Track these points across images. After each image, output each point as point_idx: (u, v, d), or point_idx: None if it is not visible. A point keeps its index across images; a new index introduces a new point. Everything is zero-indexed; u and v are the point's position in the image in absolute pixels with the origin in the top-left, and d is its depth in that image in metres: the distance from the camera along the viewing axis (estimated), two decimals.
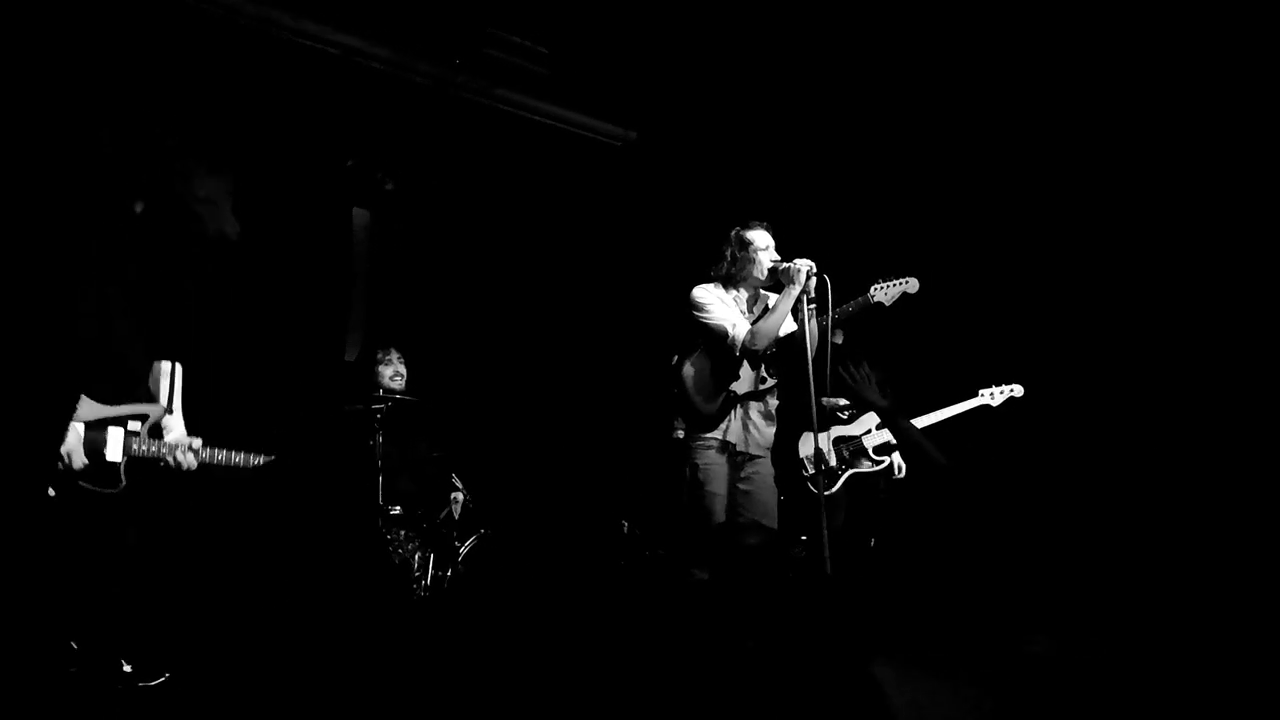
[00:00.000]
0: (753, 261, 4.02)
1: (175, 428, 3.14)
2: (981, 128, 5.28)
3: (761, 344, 3.90)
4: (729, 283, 4.08)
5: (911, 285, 4.10)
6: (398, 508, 4.48)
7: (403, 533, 4.44)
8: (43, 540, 2.80)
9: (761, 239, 4.06)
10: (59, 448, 2.83)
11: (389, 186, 5.36)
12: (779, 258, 4.00)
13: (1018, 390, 4.71)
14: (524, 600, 4.45)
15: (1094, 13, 4.67)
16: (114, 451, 2.94)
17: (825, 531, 3.74)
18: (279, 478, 4.15)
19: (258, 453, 3.16)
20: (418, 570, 4.40)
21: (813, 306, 3.86)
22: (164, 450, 3.01)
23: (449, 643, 3.91)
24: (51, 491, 2.83)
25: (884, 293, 4.09)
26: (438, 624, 4.21)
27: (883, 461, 4.67)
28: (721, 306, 3.99)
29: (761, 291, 4.11)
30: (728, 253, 4.08)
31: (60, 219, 3.03)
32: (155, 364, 3.18)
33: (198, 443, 3.07)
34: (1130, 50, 4.72)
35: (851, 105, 5.54)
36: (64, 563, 2.82)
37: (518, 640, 3.79)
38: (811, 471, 4.60)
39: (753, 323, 3.96)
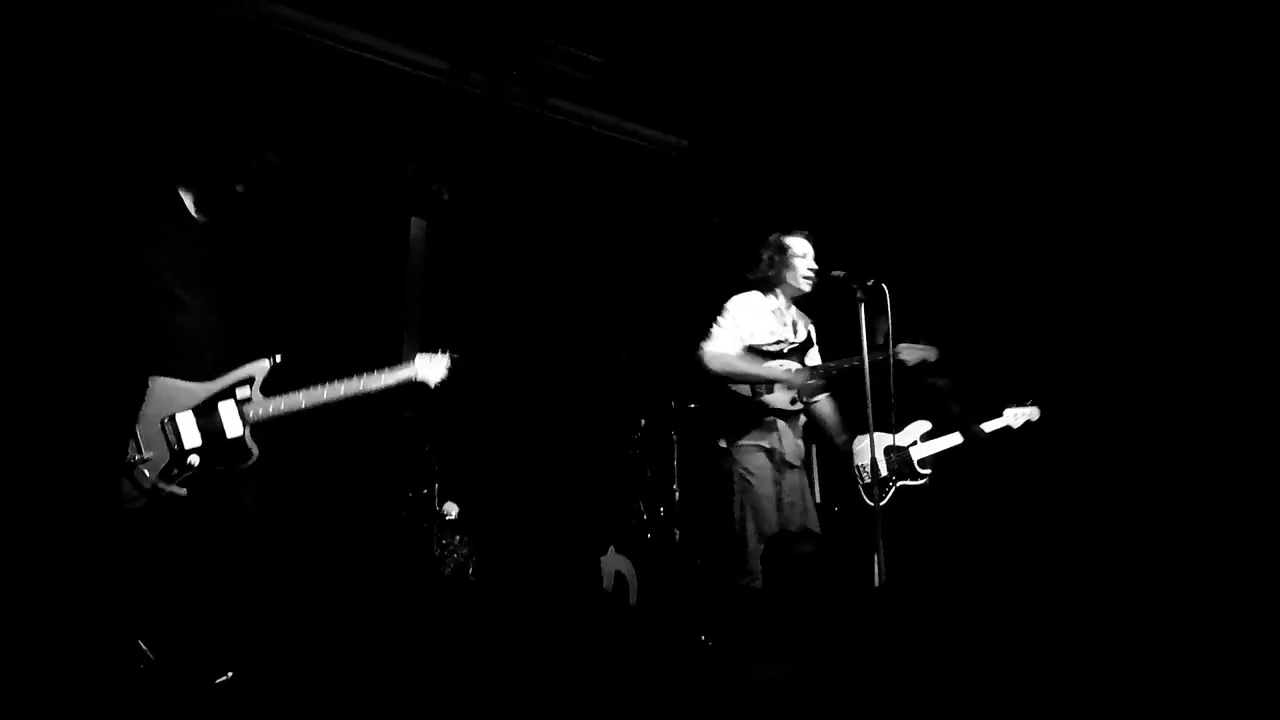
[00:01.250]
0: (790, 268, 4.09)
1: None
2: (1039, 138, 5.22)
3: (711, 368, 4.00)
4: (766, 287, 4.15)
5: (931, 354, 4.22)
6: (453, 512, 4.55)
7: (458, 538, 4.51)
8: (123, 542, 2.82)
9: (800, 246, 4.12)
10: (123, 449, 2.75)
11: (445, 196, 5.43)
12: (816, 267, 4.08)
13: (1034, 414, 4.65)
14: (567, 607, 4.48)
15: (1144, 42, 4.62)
16: (233, 426, 2.85)
17: (880, 543, 3.72)
18: (334, 482, 4.22)
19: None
20: (472, 573, 4.47)
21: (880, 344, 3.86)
22: (285, 406, 2.96)
23: (487, 638, 3.93)
24: (184, 491, 2.79)
25: (910, 353, 4.13)
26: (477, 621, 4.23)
27: (926, 475, 4.58)
28: (733, 329, 4.06)
29: (794, 307, 4.20)
30: (765, 257, 4.16)
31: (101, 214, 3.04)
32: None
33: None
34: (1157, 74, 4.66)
35: (903, 113, 5.50)
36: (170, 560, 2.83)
37: (556, 647, 3.80)
38: (867, 481, 4.57)
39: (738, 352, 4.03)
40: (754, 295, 4.15)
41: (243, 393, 2.91)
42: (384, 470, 4.77)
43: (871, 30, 5.09)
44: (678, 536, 4.97)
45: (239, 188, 3.03)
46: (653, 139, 6.08)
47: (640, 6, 5.09)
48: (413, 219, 5.49)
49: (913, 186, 5.66)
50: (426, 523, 4.44)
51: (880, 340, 3.95)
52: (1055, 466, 4.89)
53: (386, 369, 3.16)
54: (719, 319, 4.09)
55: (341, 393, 3.07)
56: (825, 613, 3.63)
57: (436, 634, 3.99)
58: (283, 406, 2.96)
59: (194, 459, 2.79)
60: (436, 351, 3.30)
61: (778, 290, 4.15)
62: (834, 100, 5.57)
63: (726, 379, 4.03)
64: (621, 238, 5.97)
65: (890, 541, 3.69)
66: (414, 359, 3.22)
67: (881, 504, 4.52)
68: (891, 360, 3.91)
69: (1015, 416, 4.64)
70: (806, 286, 4.11)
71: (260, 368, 2.97)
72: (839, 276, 3.87)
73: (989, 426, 4.64)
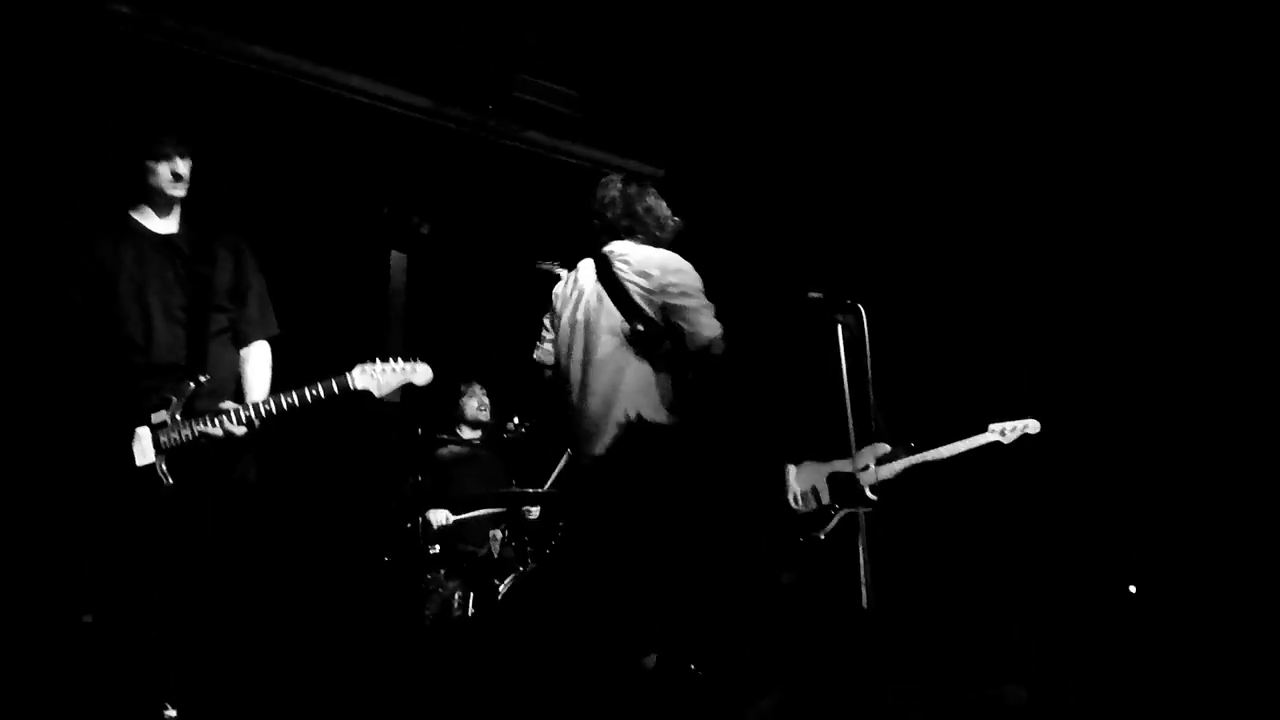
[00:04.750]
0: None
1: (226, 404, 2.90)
2: (1008, 155, 5.28)
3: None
4: None
5: (1033, 426, 4.28)
6: (436, 547, 4.53)
7: (442, 571, 4.48)
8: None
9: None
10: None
11: (425, 230, 5.45)
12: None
13: (1032, 426, 4.36)
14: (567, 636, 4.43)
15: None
16: (144, 454, 2.75)
17: (864, 563, 3.69)
18: (315, 513, 4.17)
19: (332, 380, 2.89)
20: (457, 609, 4.43)
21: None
22: (198, 428, 2.78)
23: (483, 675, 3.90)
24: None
25: (1002, 434, 4.17)
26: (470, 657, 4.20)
27: (872, 502, 4.22)
28: None
29: None
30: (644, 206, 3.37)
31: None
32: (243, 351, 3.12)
33: (229, 404, 2.86)
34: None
35: (877, 141, 5.56)
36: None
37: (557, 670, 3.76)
38: (803, 510, 4.48)
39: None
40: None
41: (159, 417, 2.82)
42: (365, 503, 4.76)
43: (844, 56, 5.17)
44: None
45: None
46: (630, 169, 6.12)
47: (613, 40, 5.17)
48: (393, 253, 5.51)
49: (889, 206, 5.71)
50: (411, 556, 4.41)
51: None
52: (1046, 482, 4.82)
53: (323, 381, 2.97)
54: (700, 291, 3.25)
55: (278, 407, 2.90)
56: (812, 640, 3.60)
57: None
58: (197, 430, 2.81)
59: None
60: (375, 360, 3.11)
61: None
62: (808, 124, 5.63)
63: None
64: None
65: (874, 563, 3.64)
66: (353, 369, 3.03)
67: (825, 532, 4.39)
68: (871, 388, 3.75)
69: (1005, 432, 4.33)
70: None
71: (185, 389, 2.84)
72: (817, 299, 3.84)
73: (971, 444, 4.38)
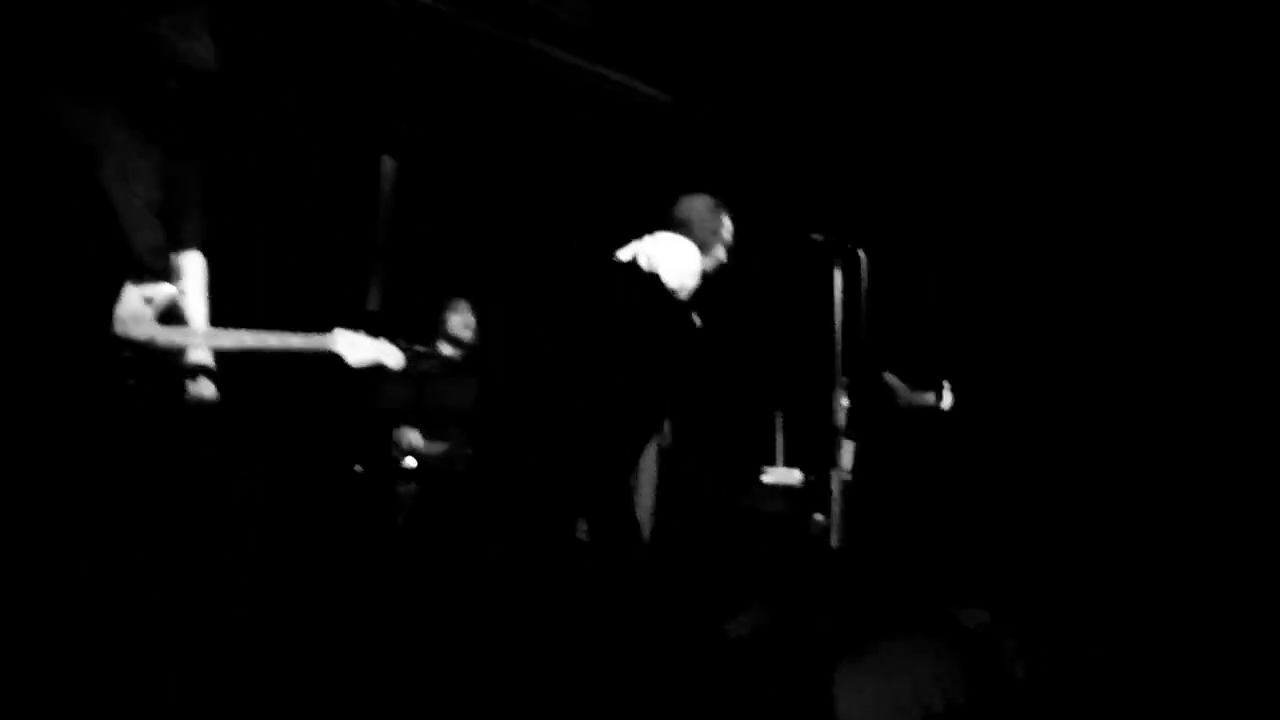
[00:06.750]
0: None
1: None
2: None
3: None
4: None
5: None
6: (409, 460, 4.48)
7: (413, 485, 4.44)
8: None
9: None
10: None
11: (417, 135, 5.29)
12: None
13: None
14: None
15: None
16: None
17: (836, 504, 3.70)
18: (284, 422, 4.10)
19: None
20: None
21: None
22: (177, 339, 2.81)
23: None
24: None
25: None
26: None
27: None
28: None
29: None
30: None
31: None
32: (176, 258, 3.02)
33: (198, 327, 2.90)
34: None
35: (888, 73, 5.42)
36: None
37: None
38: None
39: None
40: None
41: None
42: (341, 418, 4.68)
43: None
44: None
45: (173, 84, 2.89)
46: (636, 90, 5.96)
47: None
48: (384, 158, 5.35)
49: (900, 152, 5.59)
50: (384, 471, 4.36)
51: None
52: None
53: (304, 334, 3.02)
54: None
55: (246, 343, 2.95)
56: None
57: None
58: (175, 339, 2.84)
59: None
60: (363, 331, 3.15)
61: None
62: (818, 56, 5.48)
63: None
64: (592, 186, 5.83)
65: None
66: (334, 331, 3.08)
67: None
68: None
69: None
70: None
71: (164, 291, 2.86)
72: (818, 240, 3.77)
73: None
